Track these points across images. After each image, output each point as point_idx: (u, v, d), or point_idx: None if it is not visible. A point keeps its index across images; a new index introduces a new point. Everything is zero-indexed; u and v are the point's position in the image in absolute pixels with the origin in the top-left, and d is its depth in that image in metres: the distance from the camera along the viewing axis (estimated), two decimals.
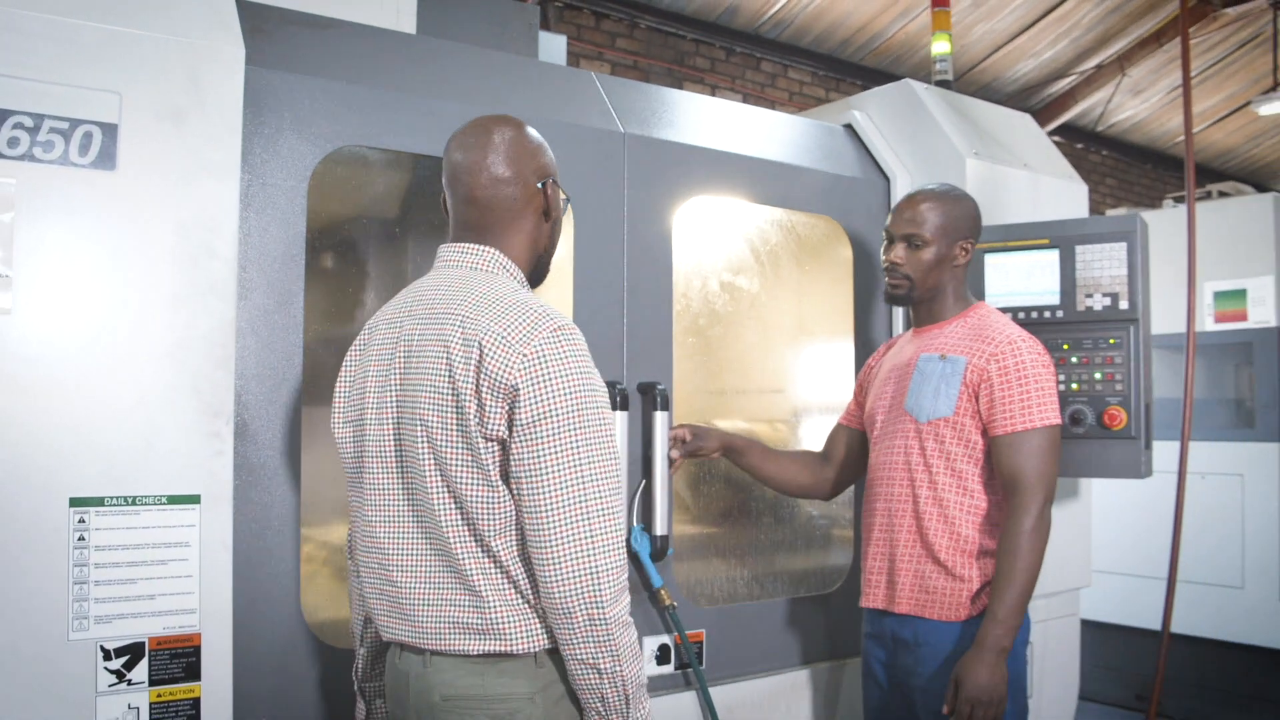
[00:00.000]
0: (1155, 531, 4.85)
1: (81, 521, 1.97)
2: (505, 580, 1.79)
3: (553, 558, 1.70)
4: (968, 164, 3.15)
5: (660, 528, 2.66)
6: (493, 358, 1.71)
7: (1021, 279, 3.03)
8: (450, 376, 1.75)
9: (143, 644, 2.02)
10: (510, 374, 1.70)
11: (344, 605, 2.25)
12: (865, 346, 3.17)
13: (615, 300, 2.68)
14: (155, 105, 2.07)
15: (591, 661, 1.74)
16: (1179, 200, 6.00)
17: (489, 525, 1.76)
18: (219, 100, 2.13)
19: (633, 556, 2.64)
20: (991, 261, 3.05)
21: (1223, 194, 6.09)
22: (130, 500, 2.02)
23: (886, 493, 2.59)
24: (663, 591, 2.66)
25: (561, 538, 1.70)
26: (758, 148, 3.03)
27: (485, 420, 1.72)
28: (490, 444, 1.74)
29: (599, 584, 1.71)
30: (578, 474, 1.70)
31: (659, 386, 2.68)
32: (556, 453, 1.70)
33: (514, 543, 1.78)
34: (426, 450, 1.78)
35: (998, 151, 3.30)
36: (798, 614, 2.99)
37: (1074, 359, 2.95)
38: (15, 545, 1.91)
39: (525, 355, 1.71)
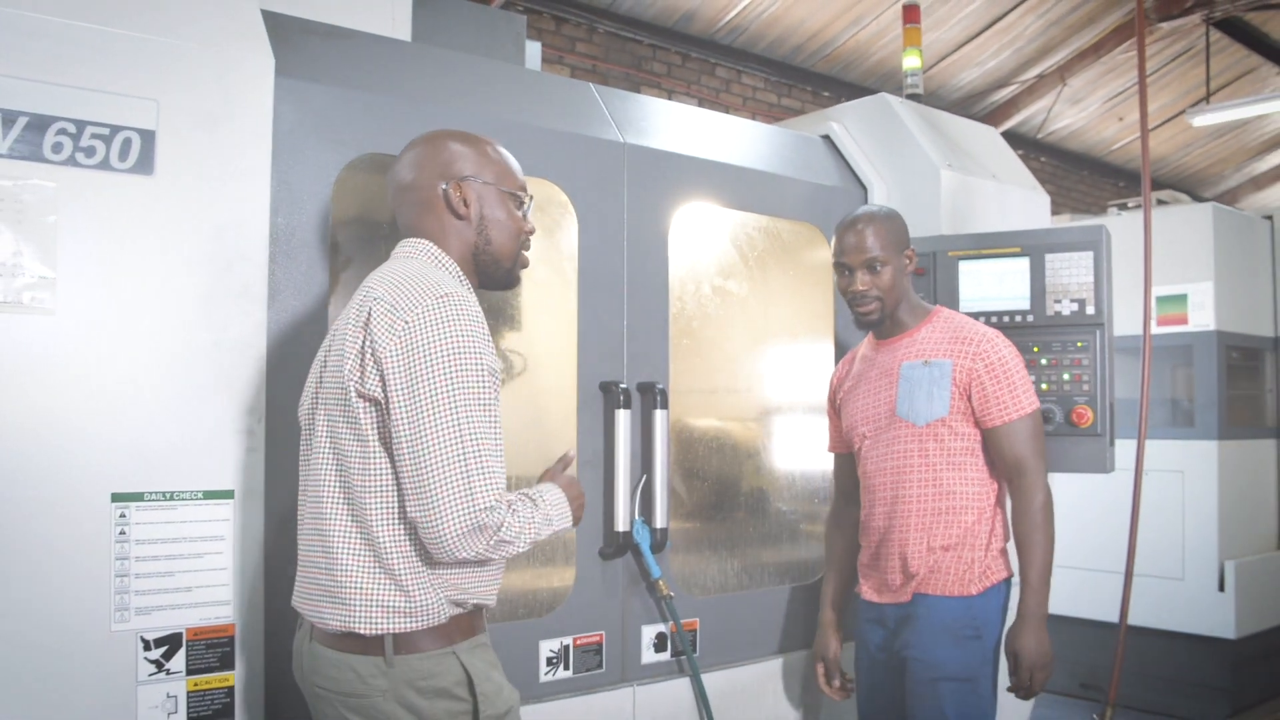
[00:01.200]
0: (1096, 526, 5.09)
1: (122, 516, 2.04)
2: (366, 549, 1.86)
3: (433, 505, 1.77)
4: (942, 175, 3.32)
5: (659, 520, 2.78)
6: (377, 321, 1.83)
7: (994, 285, 3.19)
8: (345, 340, 1.87)
9: (180, 634, 2.09)
10: (388, 338, 1.81)
11: None
12: (844, 347, 3.31)
13: (616, 302, 2.79)
14: (190, 112, 2.14)
15: (466, 556, 1.82)
16: (1122, 208, 6.25)
17: (361, 482, 1.85)
18: (250, 108, 2.21)
19: (634, 548, 2.75)
20: (965, 268, 3.21)
21: (1161, 202, 6.37)
22: (168, 496, 2.09)
23: (888, 496, 2.72)
24: (660, 582, 2.78)
25: (441, 493, 1.77)
26: (746, 158, 3.16)
27: (363, 379, 1.83)
28: (366, 404, 1.84)
29: (479, 521, 1.78)
30: (456, 433, 1.78)
31: (658, 386, 2.79)
32: (434, 415, 1.78)
33: (384, 505, 1.85)
34: (321, 411, 1.92)
35: (968, 163, 3.47)
36: (782, 604, 3.12)
37: (1044, 361, 3.12)
38: (61, 539, 1.97)
39: (407, 322, 1.81)
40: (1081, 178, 10.86)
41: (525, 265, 2.13)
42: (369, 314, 1.84)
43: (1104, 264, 3.09)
